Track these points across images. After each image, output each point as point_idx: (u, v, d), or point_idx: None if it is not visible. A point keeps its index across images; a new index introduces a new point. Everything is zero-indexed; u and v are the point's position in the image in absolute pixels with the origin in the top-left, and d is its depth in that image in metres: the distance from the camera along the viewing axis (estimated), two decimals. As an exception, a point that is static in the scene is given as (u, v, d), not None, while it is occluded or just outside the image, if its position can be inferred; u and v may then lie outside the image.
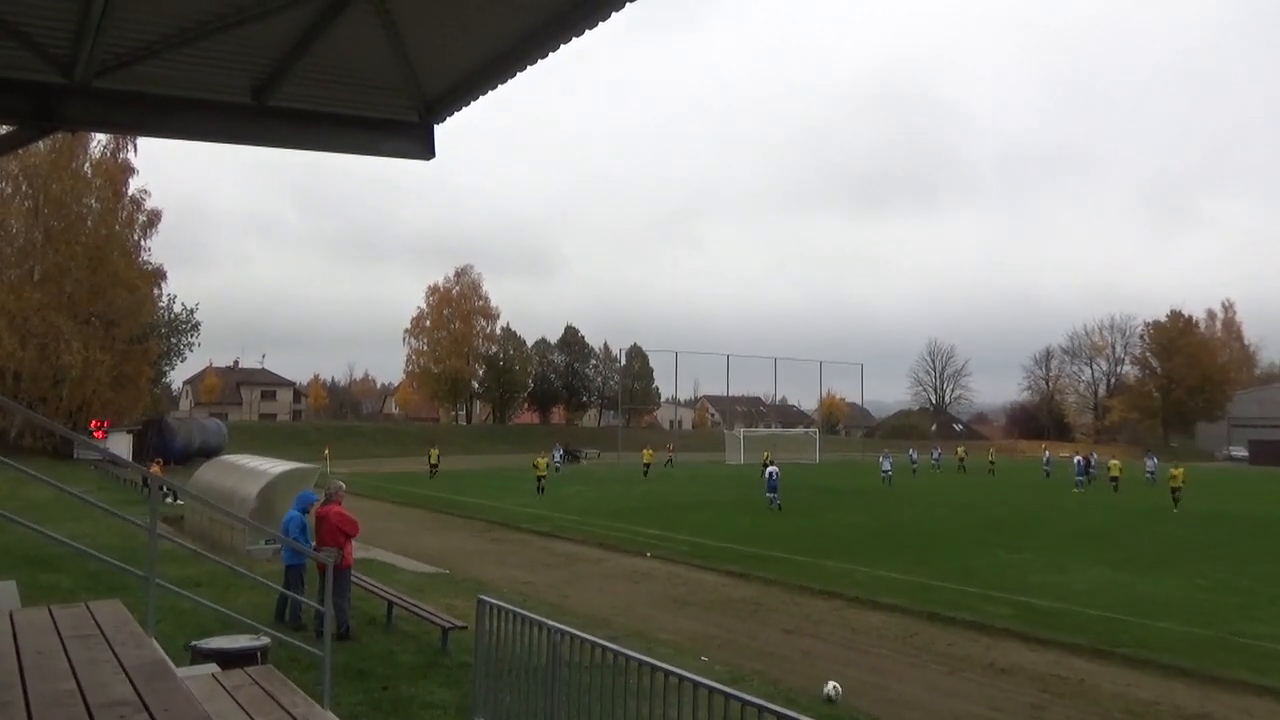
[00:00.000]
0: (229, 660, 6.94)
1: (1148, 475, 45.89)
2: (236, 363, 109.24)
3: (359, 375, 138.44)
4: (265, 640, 7.52)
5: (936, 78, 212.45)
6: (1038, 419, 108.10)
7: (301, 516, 12.70)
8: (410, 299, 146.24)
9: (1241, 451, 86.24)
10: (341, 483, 12.74)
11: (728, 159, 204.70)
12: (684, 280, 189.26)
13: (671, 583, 17.97)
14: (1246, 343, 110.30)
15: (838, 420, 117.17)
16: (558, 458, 47.97)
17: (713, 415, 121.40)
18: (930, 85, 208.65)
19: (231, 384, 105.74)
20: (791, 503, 34.48)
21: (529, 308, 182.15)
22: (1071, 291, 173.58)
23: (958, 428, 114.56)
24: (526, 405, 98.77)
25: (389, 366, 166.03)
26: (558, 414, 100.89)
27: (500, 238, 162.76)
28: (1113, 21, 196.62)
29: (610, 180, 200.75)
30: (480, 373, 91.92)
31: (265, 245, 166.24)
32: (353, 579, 12.19)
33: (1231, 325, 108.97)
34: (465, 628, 10.56)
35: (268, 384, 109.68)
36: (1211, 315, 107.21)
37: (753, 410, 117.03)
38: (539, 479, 36.50)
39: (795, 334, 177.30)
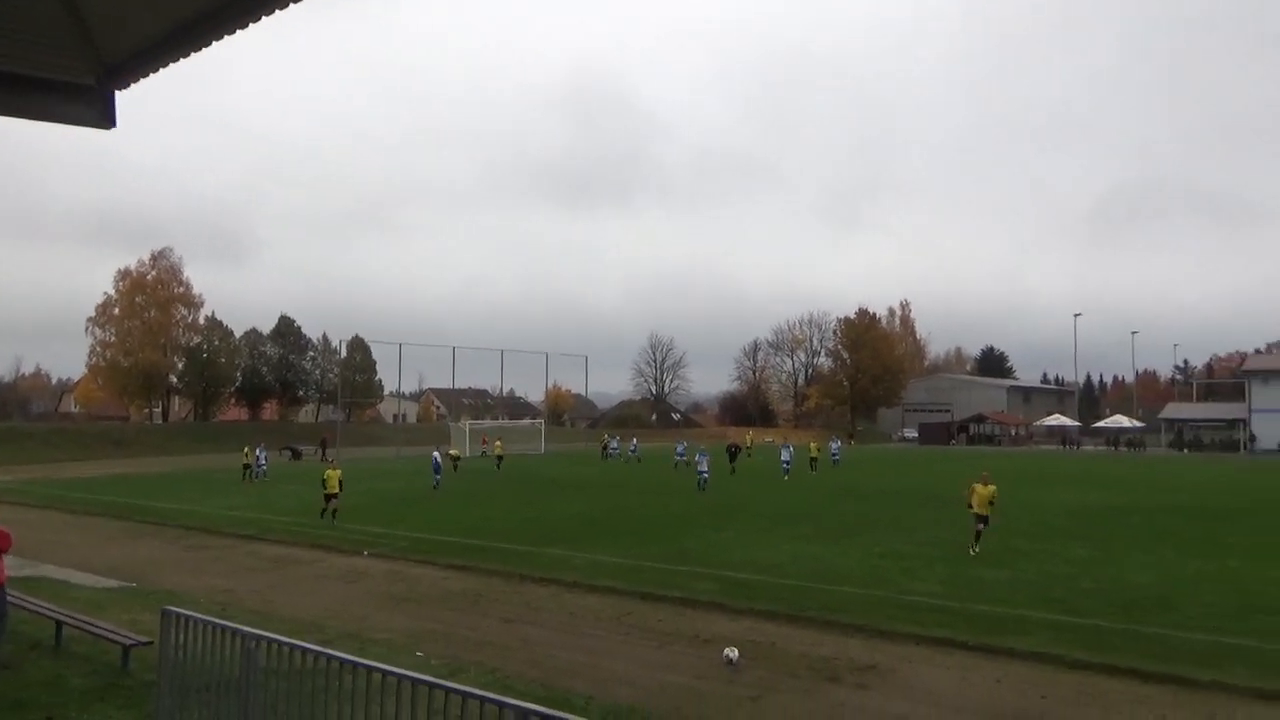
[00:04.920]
0: None
1: (833, 457, 51.18)
2: None
3: (28, 370, 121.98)
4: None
5: (631, 81, 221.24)
6: (746, 407, 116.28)
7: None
8: (89, 285, 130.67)
9: (913, 433, 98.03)
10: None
11: (435, 147, 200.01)
12: (405, 271, 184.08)
13: (389, 580, 17.48)
14: (918, 337, 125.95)
15: (564, 411, 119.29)
16: (263, 458, 44.17)
17: (438, 408, 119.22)
18: (625, 88, 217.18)
19: None
20: (515, 493, 34.78)
21: (237, 297, 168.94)
22: (772, 289, 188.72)
23: (676, 417, 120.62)
24: (234, 401, 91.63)
25: (66, 360, 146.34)
26: (270, 409, 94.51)
27: (186, 219, 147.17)
28: (787, 35, 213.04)
29: (308, 164, 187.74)
30: (180, 366, 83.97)
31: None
32: (9, 599, 10.71)
33: (907, 321, 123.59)
34: (151, 643, 9.63)
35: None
36: (891, 312, 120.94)
37: (479, 402, 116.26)
38: (329, 498, 24.99)
39: (521, 326, 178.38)
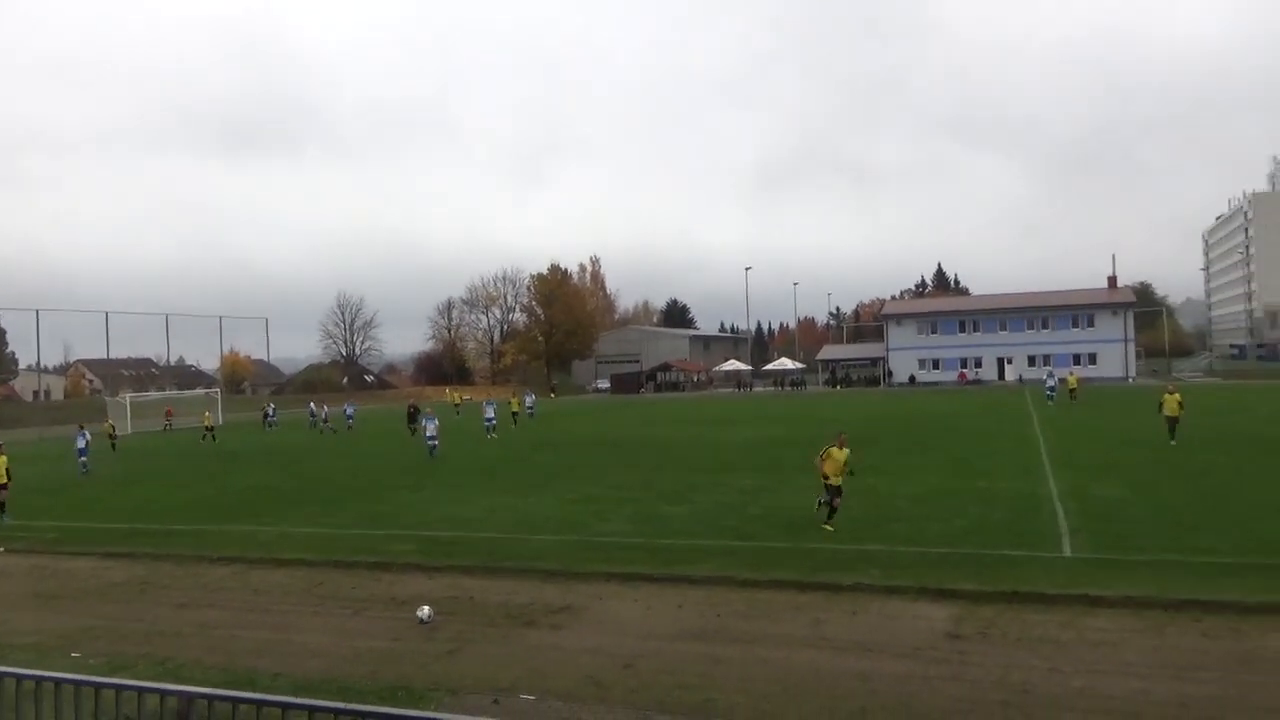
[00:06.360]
0: None
1: (528, 411, 52.21)
2: None
3: None
4: None
5: (294, 24, 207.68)
6: (442, 366, 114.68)
7: None
8: None
9: (606, 384, 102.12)
10: None
11: (68, 89, 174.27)
12: (38, 230, 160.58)
13: (34, 578, 15.40)
14: (609, 291, 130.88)
15: (243, 378, 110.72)
16: None
17: (91, 381, 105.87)
18: (289, 31, 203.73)
19: None
20: (188, 469, 32.05)
21: None
22: (462, 245, 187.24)
23: (369, 379, 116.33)
24: None
25: None
26: None
27: None
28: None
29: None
30: None
31: None
32: None
33: (598, 277, 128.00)
34: None
35: None
36: (583, 268, 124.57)
37: (143, 373, 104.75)
38: None
39: (189, 288, 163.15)
